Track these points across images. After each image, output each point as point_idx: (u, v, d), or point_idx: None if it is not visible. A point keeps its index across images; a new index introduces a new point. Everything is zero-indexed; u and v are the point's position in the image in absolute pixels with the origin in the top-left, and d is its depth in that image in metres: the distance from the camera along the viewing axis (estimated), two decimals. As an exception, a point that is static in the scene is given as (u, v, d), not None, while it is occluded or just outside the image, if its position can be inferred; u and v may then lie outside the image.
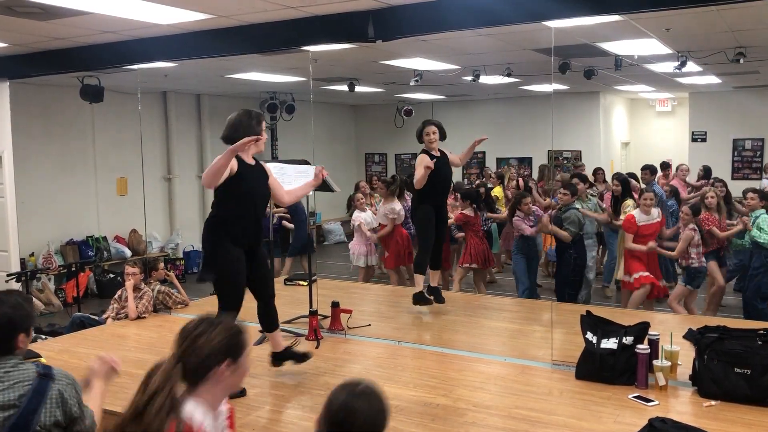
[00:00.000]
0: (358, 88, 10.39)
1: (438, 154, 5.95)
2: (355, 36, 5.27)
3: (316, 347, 5.10)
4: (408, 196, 8.31)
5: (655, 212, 6.81)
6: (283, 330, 5.42)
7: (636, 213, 6.73)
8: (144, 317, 6.02)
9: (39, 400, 2.39)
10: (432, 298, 6.04)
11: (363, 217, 8.29)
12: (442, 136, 5.99)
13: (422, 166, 5.74)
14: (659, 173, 10.41)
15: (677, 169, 10.84)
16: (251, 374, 4.49)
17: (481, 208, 8.18)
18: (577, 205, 7.30)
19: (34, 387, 2.40)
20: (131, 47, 6.16)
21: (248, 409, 3.89)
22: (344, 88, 10.29)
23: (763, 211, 6.83)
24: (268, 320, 4.46)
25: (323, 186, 5.81)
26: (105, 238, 10.58)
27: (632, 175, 9.30)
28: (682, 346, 4.39)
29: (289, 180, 5.10)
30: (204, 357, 2.11)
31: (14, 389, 2.38)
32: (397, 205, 7.98)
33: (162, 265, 6.58)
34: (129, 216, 10.65)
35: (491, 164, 14.32)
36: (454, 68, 8.77)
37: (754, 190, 7.12)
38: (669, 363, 4.04)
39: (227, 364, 2.14)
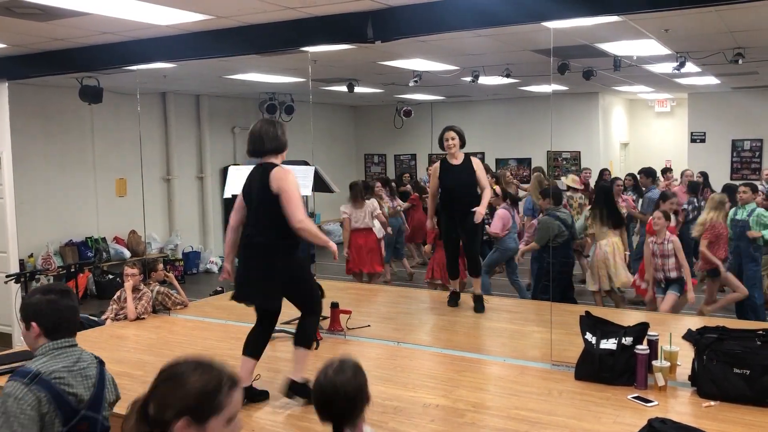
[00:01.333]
0: (357, 89, 10.40)
1: (458, 161, 5.90)
2: (354, 37, 5.27)
3: (316, 348, 5.09)
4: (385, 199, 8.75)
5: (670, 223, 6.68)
6: (282, 331, 5.43)
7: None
8: (143, 318, 6.01)
9: (103, 382, 2.64)
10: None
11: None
12: (462, 143, 5.94)
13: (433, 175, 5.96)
14: (661, 179, 10.35)
15: (682, 174, 10.70)
16: (250, 375, 4.49)
17: None
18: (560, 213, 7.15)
19: (99, 370, 2.64)
20: (130, 48, 6.16)
21: (247, 410, 3.89)
22: (343, 88, 10.30)
23: (754, 205, 6.89)
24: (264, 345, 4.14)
25: (322, 186, 5.82)
26: (104, 239, 10.57)
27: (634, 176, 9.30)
28: (681, 346, 4.39)
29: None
30: (161, 408, 1.74)
31: (90, 369, 2.61)
32: (348, 208, 8.06)
33: (161, 266, 6.57)
34: (128, 217, 10.65)
35: (491, 165, 14.32)
36: (453, 69, 8.78)
37: (746, 184, 7.10)
38: (668, 363, 4.04)
39: (185, 423, 1.72)
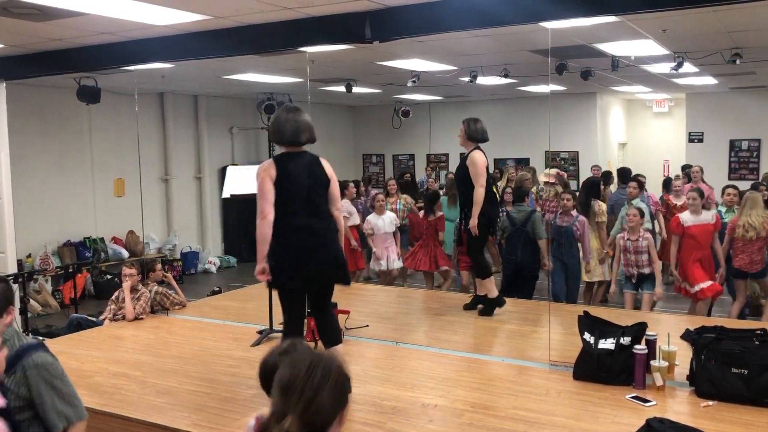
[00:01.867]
0: (355, 89, 10.39)
1: (465, 153, 5.80)
2: (353, 37, 5.27)
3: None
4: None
5: (709, 214, 6.53)
6: (280, 332, 5.42)
7: (684, 214, 6.54)
8: (141, 318, 6.01)
9: None
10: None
11: (372, 221, 8.25)
12: (470, 136, 5.71)
13: None
14: (678, 180, 9.91)
15: (691, 171, 10.51)
16: (246, 375, 4.50)
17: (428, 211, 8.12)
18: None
19: None
20: (128, 48, 6.15)
21: (245, 410, 3.89)
22: (341, 89, 10.29)
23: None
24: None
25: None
26: (102, 239, 10.56)
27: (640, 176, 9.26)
28: (679, 346, 4.40)
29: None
30: (327, 414, 1.70)
31: None
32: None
33: (159, 266, 6.57)
34: (126, 217, 10.63)
35: (488, 165, 14.31)
36: (451, 69, 8.77)
37: (733, 187, 7.13)
38: (666, 363, 4.05)
39: (341, 416, 1.75)
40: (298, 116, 4.02)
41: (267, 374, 2.25)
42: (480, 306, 5.96)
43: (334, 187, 4.10)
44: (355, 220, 8.70)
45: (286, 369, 1.74)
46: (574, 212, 7.12)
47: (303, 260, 3.94)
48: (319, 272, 4.02)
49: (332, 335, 4.17)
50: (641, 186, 8.50)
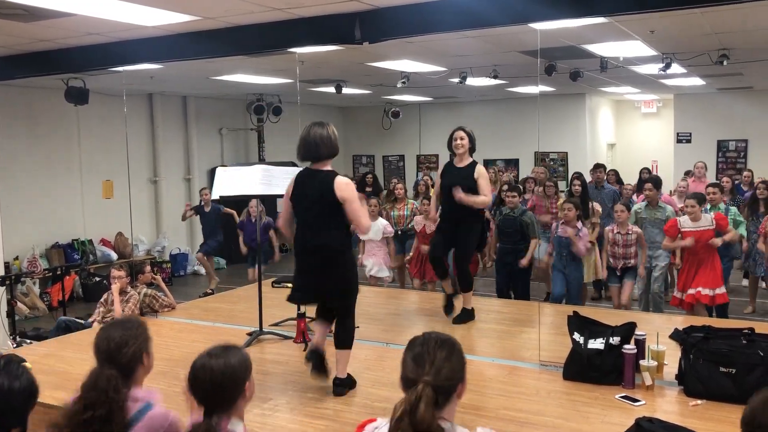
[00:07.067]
0: (345, 90, 10.40)
1: (462, 164, 5.52)
2: (342, 38, 5.27)
3: (305, 350, 5.08)
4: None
5: (707, 219, 6.25)
6: (271, 333, 5.41)
7: (683, 218, 6.33)
8: (130, 321, 5.97)
9: None
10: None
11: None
12: (472, 147, 5.55)
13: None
14: (684, 180, 9.51)
15: (694, 167, 10.27)
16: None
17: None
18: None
19: None
20: (117, 49, 6.12)
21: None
22: (331, 89, 10.30)
23: (723, 205, 7.09)
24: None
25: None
26: (91, 242, 10.50)
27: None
28: (668, 345, 4.42)
29: (277, 182, 5.08)
30: (453, 380, 2.13)
31: None
32: None
33: (149, 268, 6.54)
34: (115, 219, 10.58)
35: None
36: (440, 70, 8.79)
37: (713, 185, 7.24)
38: (655, 363, 4.07)
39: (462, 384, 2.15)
40: (308, 132, 4.09)
41: (191, 377, 2.28)
42: (451, 303, 5.83)
43: (349, 208, 3.99)
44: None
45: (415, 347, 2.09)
46: (579, 224, 6.69)
47: (300, 276, 4.18)
48: (308, 288, 4.20)
49: (337, 338, 4.33)
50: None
